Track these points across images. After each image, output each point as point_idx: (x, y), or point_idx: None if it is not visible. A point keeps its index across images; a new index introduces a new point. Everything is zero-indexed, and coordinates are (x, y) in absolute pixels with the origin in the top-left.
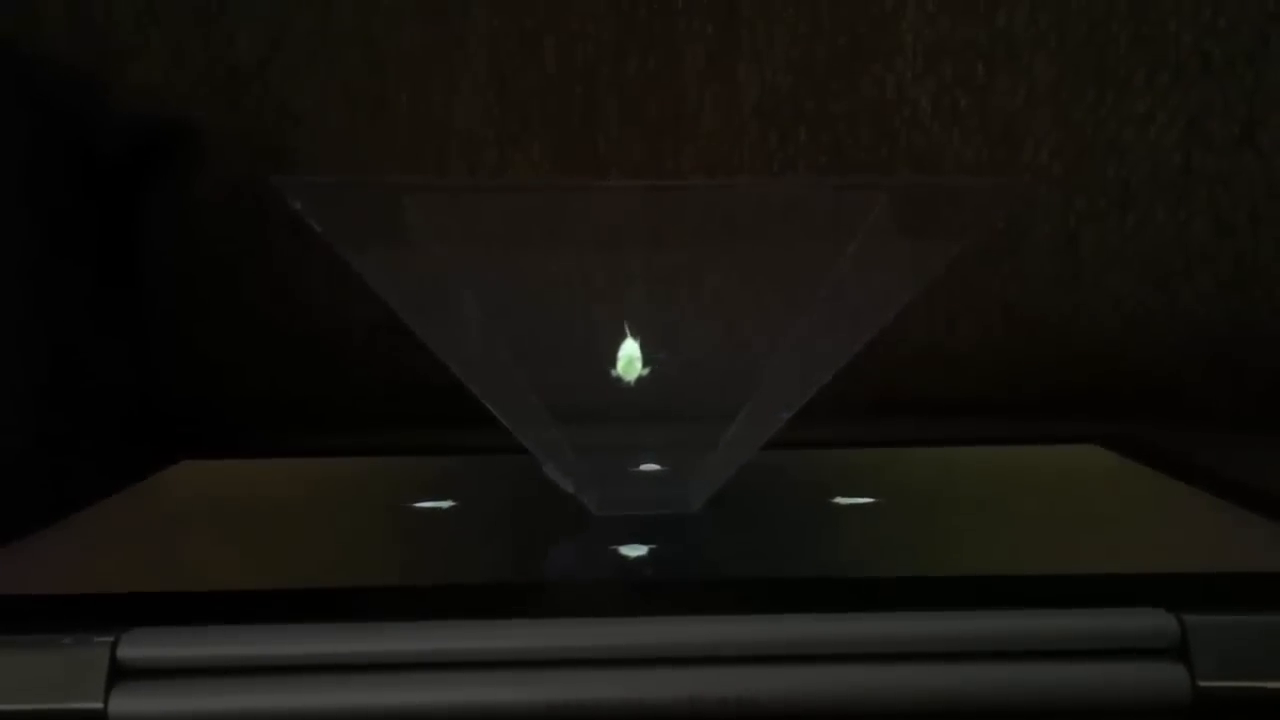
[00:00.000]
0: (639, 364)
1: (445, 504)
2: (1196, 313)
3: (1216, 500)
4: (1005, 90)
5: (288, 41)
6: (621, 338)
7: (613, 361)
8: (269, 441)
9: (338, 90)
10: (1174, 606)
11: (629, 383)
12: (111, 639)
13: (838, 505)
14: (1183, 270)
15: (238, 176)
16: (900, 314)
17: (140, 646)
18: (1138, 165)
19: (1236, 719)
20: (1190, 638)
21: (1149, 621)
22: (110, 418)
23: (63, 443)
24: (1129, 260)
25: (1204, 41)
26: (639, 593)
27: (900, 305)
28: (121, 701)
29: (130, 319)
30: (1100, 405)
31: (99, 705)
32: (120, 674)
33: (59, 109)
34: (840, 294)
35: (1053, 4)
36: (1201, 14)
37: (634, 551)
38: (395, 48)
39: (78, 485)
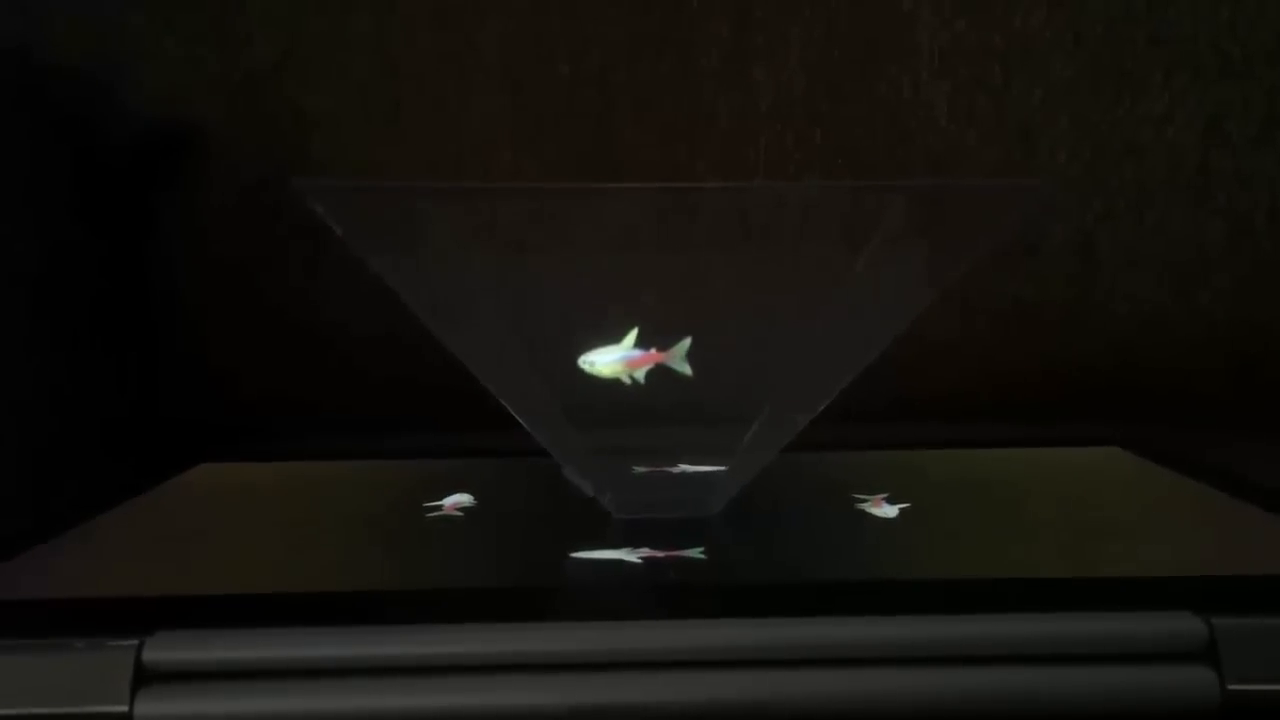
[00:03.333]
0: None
1: (465, 505)
2: (1214, 313)
3: (1239, 503)
4: (1022, 91)
5: (302, 45)
6: (640, 340)
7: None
8: (284, 444)
9: (352, 94)
10: (1202, 610)
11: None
12: (136, 642)
13: (859, 508)
14: (1200, 271)
15: (251, 180)
16: (917, 316)
17: (165, 650)
18: (1155, 166)
19: None
20: (1219, 641)
21: (1178, 625)
22: (119, 420)
23: (71, 445)
24: (1146, 261)
25: (1222, 41)
26: (657, 597)
27: (919, 308)
28: (147, 705)
29: (140, 322)
30: (1116, 406)
31: (124, 708)
32: (145, 677)
33: (67, 113)
34: (858, 297)
35: (1070, 4)
36: (1219, 14)
37: (652, 555)
38: (409, 51)
39: (88, 489)
